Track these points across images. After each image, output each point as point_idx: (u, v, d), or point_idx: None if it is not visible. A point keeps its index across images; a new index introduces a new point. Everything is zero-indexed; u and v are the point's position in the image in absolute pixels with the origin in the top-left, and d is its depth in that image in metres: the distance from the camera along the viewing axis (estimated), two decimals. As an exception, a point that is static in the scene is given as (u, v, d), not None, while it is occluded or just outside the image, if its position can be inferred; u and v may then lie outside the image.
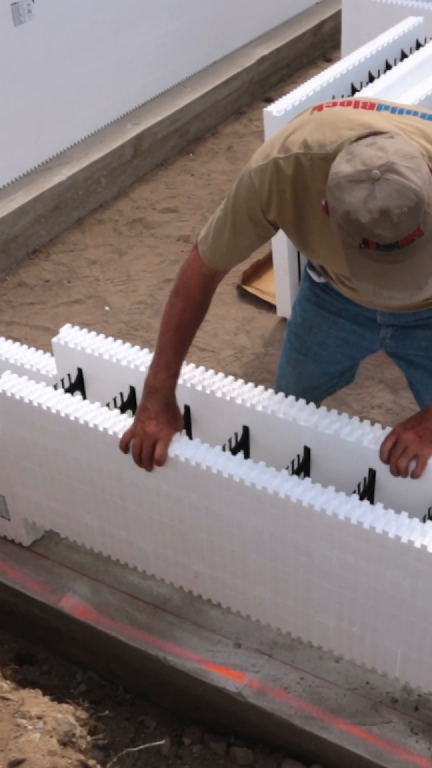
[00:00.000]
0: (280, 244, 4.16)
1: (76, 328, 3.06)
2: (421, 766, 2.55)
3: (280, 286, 4.43)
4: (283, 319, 4.48)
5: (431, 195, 2.00)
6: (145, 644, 2.89)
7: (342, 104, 2.34)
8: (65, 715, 2.60)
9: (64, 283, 5.05)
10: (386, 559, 2.37)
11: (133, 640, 2.90)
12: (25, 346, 3.21)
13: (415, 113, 2.32)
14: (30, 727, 2.48)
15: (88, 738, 2.64)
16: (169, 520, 2.74)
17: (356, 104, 2.32)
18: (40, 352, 3.18)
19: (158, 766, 2.79)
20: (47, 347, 4.41)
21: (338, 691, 2.71)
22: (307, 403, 2.87)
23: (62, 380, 2.98)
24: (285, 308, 4.41)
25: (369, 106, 2.32)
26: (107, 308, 4.83)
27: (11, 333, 4.65)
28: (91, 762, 2.54)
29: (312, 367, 2.94)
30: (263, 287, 4.74)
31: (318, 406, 3.11)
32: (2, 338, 3.27)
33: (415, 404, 4.04)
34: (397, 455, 2.50)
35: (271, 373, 4.27)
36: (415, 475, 2.50)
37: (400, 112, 2.31)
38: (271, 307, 4.66)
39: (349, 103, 2.34)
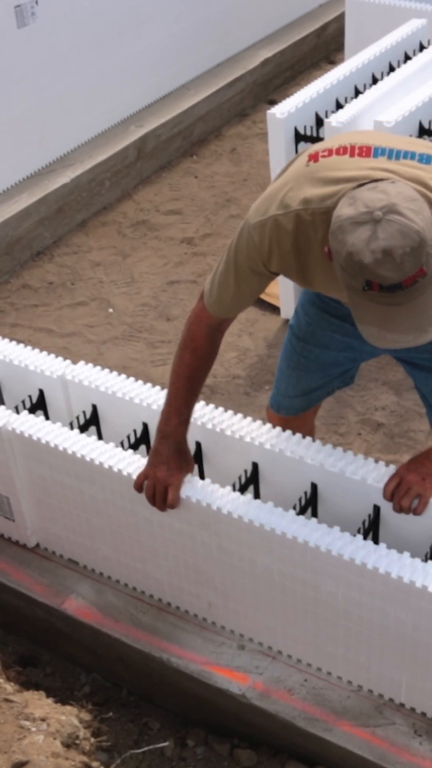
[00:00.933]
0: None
1: (90, 365, 3.14)
2: (424, 767, 2.55)
3: (283, 288, 4.43)
4: (287, 321, 4.48)
5: None
6: (149, 646, 2.89)
7: (337, 152, 2.30)
8: (69, 717, 2.60)
9: (67, 285, 5.06)
10: (389, 597, 2.46)
11: (136, 641, 2.91)
12: (29, 348, 3.22)
13: (413, 155, 2.27)
14: (33, 729, 2.48)
15: (92, 740, 2.64)
16: (183, 555, 2.81)
17: (352, 152, 2.29)
18: (44, 353, 3.19)
19: (162, 767, 2.79)
20: (51, 349, 4.42)
21: (342, 692, 2.71)
22: (306, 404, 2.90)
23: (77, 417, 3.07)
24: (288, 310, 4.42)
25: (365, 152, 2.28)
26: (111, 310, 4.83)
27: (15, 335, 4.65)
28: (94, 764, 2.54)
29: (314, 370, 2.96)
30: (266, 289, 4.73)
31: (317, 407, 3.13)
32: (6, 340, 3.28)
33: (419, 406, 4.04)
34: (400, 495, 2.59)
35: (274, 375, 4.27)
36: (417, 513, 2.59)
37: (397, 156, 2.27)
38: (274, 309, 4.67)
39: (345, 151, 2.30)
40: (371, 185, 2.08)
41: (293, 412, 3.08)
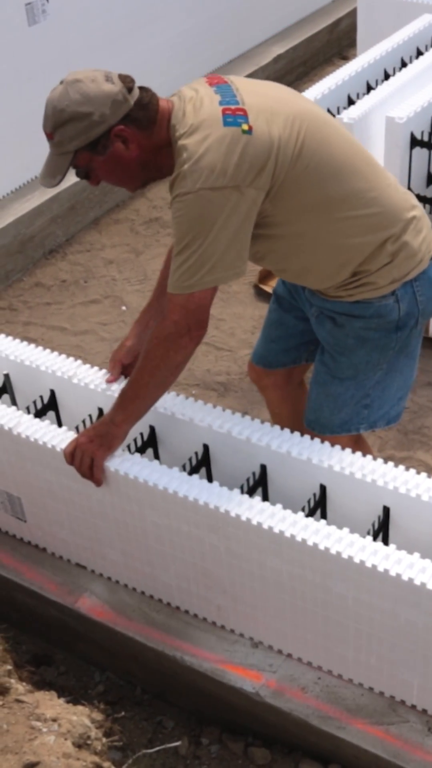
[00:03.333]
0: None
1: (96, 368, 3.11)
2: (439, 766, 2.54)
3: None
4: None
5: (74, 119, 2.52)
6: (162, 644, 2.89)
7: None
8: (80, 717, 2.59)
9: (80, 283, 5.06)
10: (400, 599, 2.45)
11: (150, 640, 2.91)
12: (40, 348, 3.22)
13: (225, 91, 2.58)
14: (45, 730, 2.48)
15: (104, 740, 2.63)
16: (191, 558, 2.80)
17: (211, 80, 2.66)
18: (56, 353, 3.18)
19: (176, 766, 2.79)
20: (64, 348, 4.43)
21: (355, 690, 2.71)
22: (266, 354, 3.16)
23: (84, 421, 3.06)
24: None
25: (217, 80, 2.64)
26: (124, 308, 4.83)
27: (28, 333, 4.66)
28: (106, 764, 2.53)
29: (274, 321, 3.16)
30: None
31: (290, 377, 3.27)
32: (18, 339, 3.28)
33: (432, 402, 4.03)
34: (77, 462, 2.74)
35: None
36: (96, 482, 2.75)
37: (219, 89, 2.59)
38: (287, 306, 4.65)
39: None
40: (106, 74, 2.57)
41: (256, 359, 3.23)
